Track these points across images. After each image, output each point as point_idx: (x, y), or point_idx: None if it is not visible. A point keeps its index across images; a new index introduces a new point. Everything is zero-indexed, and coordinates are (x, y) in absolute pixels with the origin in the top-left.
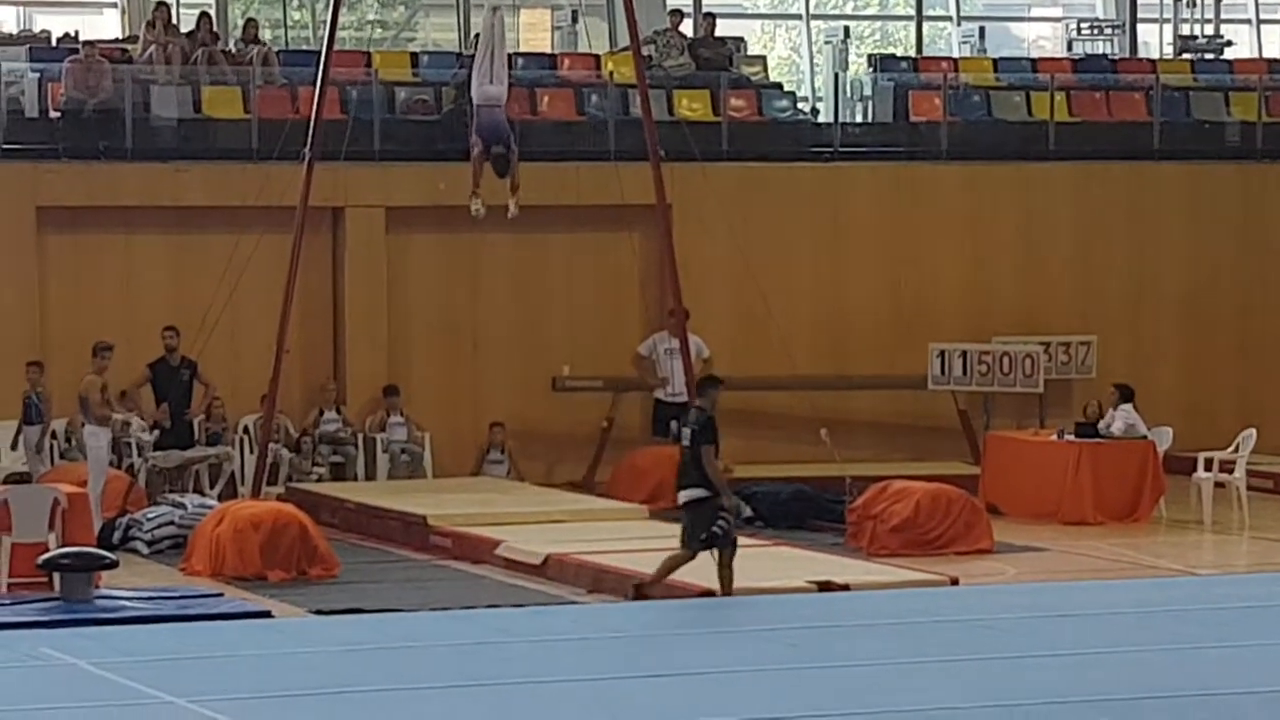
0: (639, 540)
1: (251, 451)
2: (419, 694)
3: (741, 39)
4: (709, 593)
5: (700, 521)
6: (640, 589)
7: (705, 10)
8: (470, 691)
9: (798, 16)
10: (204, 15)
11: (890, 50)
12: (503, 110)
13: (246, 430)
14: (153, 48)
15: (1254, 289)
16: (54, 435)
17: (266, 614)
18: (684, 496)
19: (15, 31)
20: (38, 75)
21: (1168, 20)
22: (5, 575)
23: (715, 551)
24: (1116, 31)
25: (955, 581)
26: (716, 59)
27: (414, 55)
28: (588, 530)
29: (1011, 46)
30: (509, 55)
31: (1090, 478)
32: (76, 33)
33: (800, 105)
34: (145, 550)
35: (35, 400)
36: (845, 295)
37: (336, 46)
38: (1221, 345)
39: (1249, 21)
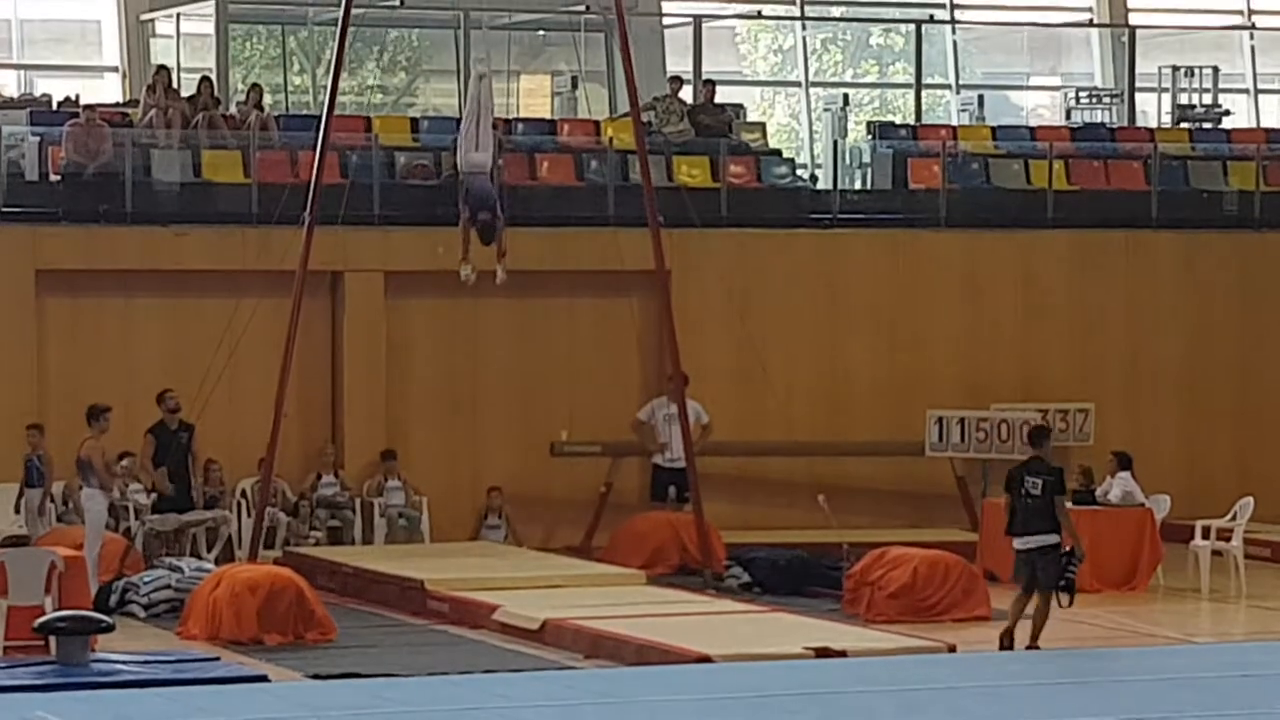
0: (637, 605)
1: (249, 515)
2: None
3: (741, 106)
4: (705, 658)
5: (1052, 567)
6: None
7: (705, 77)
8: None
9: (797, 84)
10: (205, 80)
11: (889, 118)
12: (488, 177)
13: (244, 494)
14: (153, 112)
15: (1251, 358)
16: (51, 498)
17: (263, 678)
18: (1032, 542)
19: (16, 95)
20: (38, 138)
21: (1166, 89)
22: (1, 638)
23: (1062, 596)
24: (1115, 100)
25: (953, 648)
26: (716, 125)
27: (414, 120)
28: (585, 595)
29: (1010, 115)
30: (507, 121)
31: (1088, 545)
32: (77, 96)
33: (799, 172)
34: (142, 614)
35: (36, 463)
36: (843, 362)
37: (337, 111)
38: (1219, 413)
39: (1246, 91)
